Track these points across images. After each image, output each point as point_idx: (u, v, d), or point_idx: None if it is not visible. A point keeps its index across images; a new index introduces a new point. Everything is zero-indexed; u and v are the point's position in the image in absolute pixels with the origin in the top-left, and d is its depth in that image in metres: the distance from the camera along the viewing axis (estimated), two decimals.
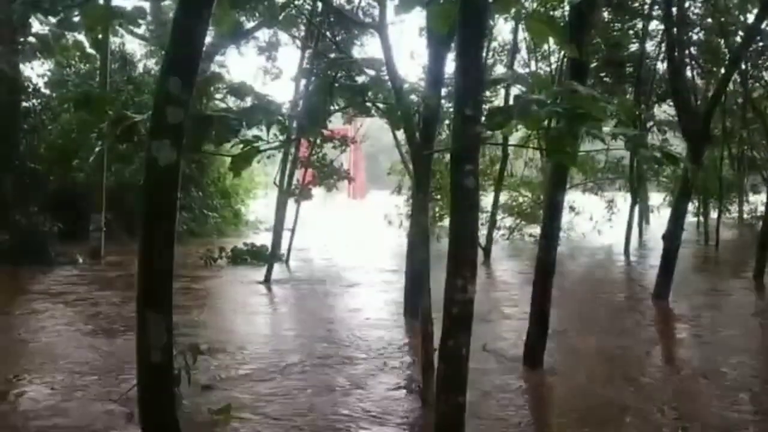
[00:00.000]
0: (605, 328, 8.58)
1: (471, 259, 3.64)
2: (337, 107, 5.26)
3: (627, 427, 5.01)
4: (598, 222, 21.59)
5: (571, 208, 20.35)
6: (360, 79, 9.49)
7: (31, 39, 13.68)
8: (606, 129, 4.67)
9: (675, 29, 11.34)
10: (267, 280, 11.51)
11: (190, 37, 2.81)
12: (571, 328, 8.11)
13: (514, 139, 15.95)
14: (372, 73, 5.29)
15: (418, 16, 16.34)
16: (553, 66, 19.27)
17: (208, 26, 2.81)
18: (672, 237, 10.23)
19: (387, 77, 5.05)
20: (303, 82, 12.64)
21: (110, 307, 9.08)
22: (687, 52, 15.19)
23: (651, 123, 18.77)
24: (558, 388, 6.06)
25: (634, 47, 18.76)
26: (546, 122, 5.14)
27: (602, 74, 18.25)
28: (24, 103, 15.17)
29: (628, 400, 5.58)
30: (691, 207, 19.20)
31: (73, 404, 5.15)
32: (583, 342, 7.72)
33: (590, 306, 10.14)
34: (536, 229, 19.97)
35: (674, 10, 11.68)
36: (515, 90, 14.43)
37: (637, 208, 19.95)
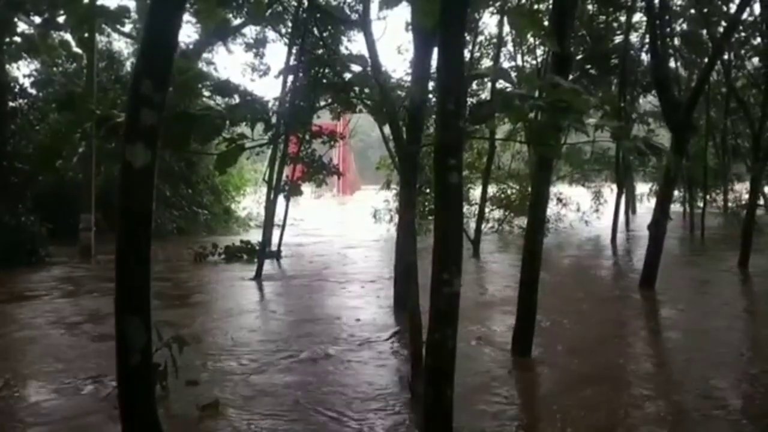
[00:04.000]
0: (592, 317, 8.69)
1: (456, 253, 3.69)
2: (322, 104, 5.30)
3: (611, 414, 5.10)
4: (586, 213, 21.77)
5: (559, 200, 20.54)
6: (346, 76, 9.56)
7: (17, 39, 13.70)
8: (590, 121, 4.74)
9: (658, 21, 11.43)
10: (258, 276, 11.55)
11: (162, 37, 2.81)
12: (559, 318, 8.21)
13: (501, 132, 16.08)
14: (357, 69, 5.34)
15: (404, 11, 16.35)
16: (539, 59, 19.37)
17: (180, 27, 2.81)
18: (658, 226, 10.35)
19: (371, 73, 5.10)
20: (290, 78, 12.64)
21: (101, 307, 9.08)
22: (670, 43, 15.31)
23: (635, 114, 18.92)
24: (546, 376, 6.15)
25: (618, 39, 18.89)
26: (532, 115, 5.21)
27: (587, 66, 18.37)
28: (10, 104, 15.09)
29: (613, 388, 5.68)
30: (677, 196, 19.39)
31: (61, 403, 5.17)
32: (571, 331, 7.82)
33: (577, 295, 10.25)
34: (525, 221, 20.12)
35: (657, 1, 11.78)
36: (502, 84, 14.57)
37: (623, 198, 20.11)
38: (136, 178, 2.76)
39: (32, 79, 18.49)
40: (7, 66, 14.59)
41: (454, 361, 3.69)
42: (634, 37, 19.32)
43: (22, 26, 13.48)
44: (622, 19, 18.52)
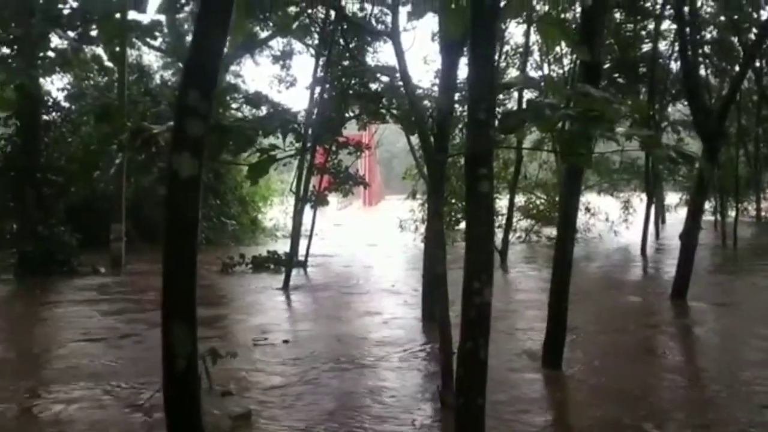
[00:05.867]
0: (623, 328, 8.57)
1: (487, 263, 3.67)
2: (351, 114, 5.33)
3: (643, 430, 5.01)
4: (614, 222, 21.54)
5: (587, 209, 20.34)
6: (373, 86, 9.60)
7: (51, 53, 13.99)
8: (620, 130, 4.71)
9: (687, 28, 11.32)
10: (286, 287, 11.60)
11: (208, 49, 2.86)
12: (590, 329, 8.11)
13: (528, 141, 16.00)
14: (385, 79, 5.36)
15: (431, 22, 16.43)
16: (566, 68, 19.29)
17: (226, 38, 2.86)
18: (689, 236, 10.20)
19: (400, 83, 5.12)
20: (317, 89, 12.74)
21: (133, 315, 9.22)
22: (700, 50, 15.14)
23: (665, 123, 18.71)
24: (577, 389, 6.08)
25: (646, 47, 18.72)
26: (560, 124, 5.18)
27: (615, 75, 18.22)
28: (44, 117, 15.41)
29: (646, 402, 5.58)
30: (708, 206, 19.11)
31: (98, 412, 5.22)
32: (602, 342, 7.73)
33: (608, 306, 10.13)
34: (552, 231, 19.98)
35: (686, 9, 11.66)
36: (529, 93, 14.52)
37: (653, 208, 19.87)
38: (182, 187, 2.80)
39: (66, 92, 18.86)
40: (41, 80, 14.89)
41: (486, 371, 3.66)
42: (662, 45, 19.15)
43: (55, 41, 13.78)
44: (651, 26, 18.36)
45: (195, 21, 2.87)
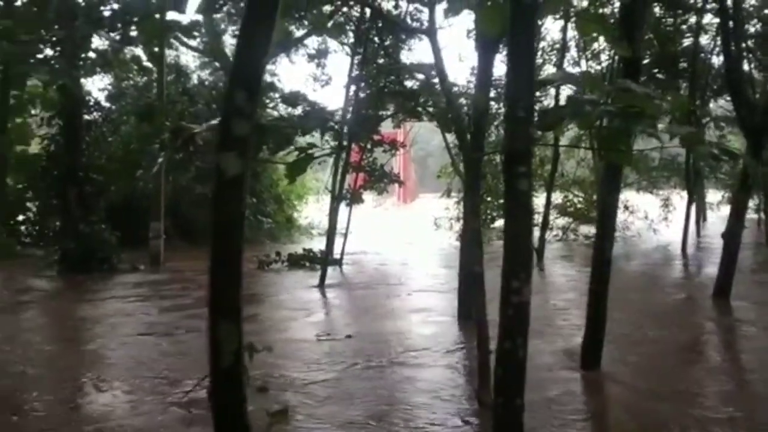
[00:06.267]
0: (665, 327, 8.41)
1: (526, 262, 3.64)
2: (388, 113, 5.32)
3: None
4: (654, 221, 21.17)
5: (626, 207, 20.03)
6: (409, 84, 9.57)
7: (92, 54, 14.30)
8: (661, 126, 4.61)
9: (730, 22, 11.04)
10: (321, 284, 11.66)
11: (254, 49, 2.89)
12: (630, 329, 7.98)
13: (564, 139, 15.80)
14: (421, 77, 5.34)
15: (466, 19, 16.32)
16: (604, 64, 18.99)
17: (271, 40, 2.89)
18: (732, 234, 9.97)
19: (437, 81, 5.09)
20: (353, 88, 12.76)
21: (173, 312, 9.37)
22: (743, 44, 14.76)
23: (707, 119, 18.30)
24: (617, 390, 5.98)
25: (687, 42, 18.33)
26: (599, 121, 5.10)
27: (655, 70, 17.88)
28: (86, 116, 15.74)
29: (686, 406, 5.46)
30: (751, 204, 18.65)
31: (137, 407, 5.31)
32: (643, 342, 7.59)
33: (648, 306, 9.95)
34: (590, 229, 19.73)
35: (729, 2, 11.37)
36: (565, 89, 14.32)
37: (694, 206, 19.46)
38: (228, 186, 2.84)
39: (106, 92, 19.26)
40: (82, 80, 15.21)
41: (525, 371, 3.63)
42: (704, 39, 18.70)
43: (95, 42, 14.07)
44: (692, 20, 17.96)
45: (241, 23, 2.90)
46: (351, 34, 15.50)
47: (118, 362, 6.64)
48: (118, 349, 7.21)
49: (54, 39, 13.73)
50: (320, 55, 19.86)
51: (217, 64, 20.98)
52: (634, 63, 6.46)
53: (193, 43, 18.09)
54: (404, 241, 20.13)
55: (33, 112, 18.63)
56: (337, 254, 14.06)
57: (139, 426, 4.88)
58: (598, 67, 19.38)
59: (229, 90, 2.89)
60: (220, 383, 3.09)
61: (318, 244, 14.82)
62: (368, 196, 16.27)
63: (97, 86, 19.32)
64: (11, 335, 8.02)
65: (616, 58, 16.22)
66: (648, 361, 6.85)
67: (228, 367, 3.02)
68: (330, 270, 12.50)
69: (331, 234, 13.23)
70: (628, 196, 20.62)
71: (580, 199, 20.27)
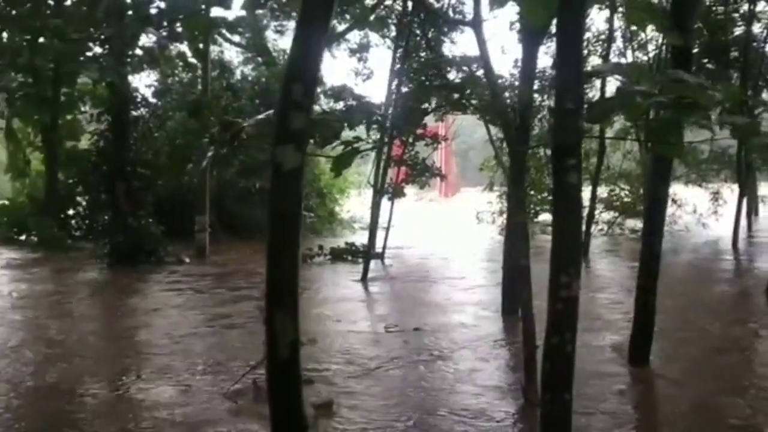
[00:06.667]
0: (715, 324, 8.21)
1: (575, 256, 3.59)
2: (432, 106, 5.29)
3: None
4: (703, 215, 20.66)
5: (673, 201, 19.57)
6: (451, 77, 9.51)
7: (139, 52, 14.58)
8: (713, 117, 4.49)
9: None
10: (364, 278, 11.70)
11: (310, 44, 2.92)
12: (679, 324, 7.81)
13: (610, 131, 15.53)
14: (466, 70, 5.30)
15: (509, 11, 16.13)
16: (651, 54, 18.58)
17: (327, 34, 2.91)
18: None
19: (482, 74, 5.04)
20: (395, 82, 12.74)
21: (219, 304, 9.52)
22: None
23: (760, 109, 17.73)
24: (665, 387, 5.86)
25: (739, 30, 17.79)
26: (649, 113, 4.99)
27: (704, 60, 17.40)
28: (133, 113, 16.05)
29: (734, 406, 5.31)
30: None
31: (185, 398, 5.40)
32: (692, 338, 7.42)
33: (698, 301, 9.72)
34: (636, 223, 19.36)
35: None
36: (611, 81, 14.06)
37: (745, 200, 18.91)
38: (285, 179, 2.87)
39: (152, 89, 19.62)
40: (130, 77, 15.51)
41: (573, 367, 3.58)
42: (756, 28, 18.13)
43: (141, 39, 14.34)
44: (744, 8, 17.43)
45: (298, 18, 2.93)
46: (393, 28, 15.49)
47: (166, 353, 6.76)
48: (165, 340, 7.34)
49: (102, 37, 14.04)
50: (362, 49, 19.90)
51: (260, 59, 21.21)
52: (685, 53, 6.29)
53: (236, 38, 18.32)
54: (446, 235, 20.05)
55: (83, 108, 19.16)
56: (379, 248, 14.07)
57: (187, 416, 4.96)
58: (645, 58, 18.98)
59: (286, 84, 2.93)
60: (277, 374, 3.14)
61: (360, 238, 14.86)
62: (410, 190, 16.23)
63: (143, 83, 19.73)
64: (64, 325, 8.25)
65: (664, 48, 15.87)
66: (699, 357, 6.69)
67: (285, 359, 3.07)
68: (372, 264, 12.53)
69: (373, 228, 13.25)
70: (675, 189, 20.16)
71: (627, 193, 19.90)
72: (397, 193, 14.28)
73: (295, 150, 2.80)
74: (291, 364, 3.11)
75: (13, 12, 14.38)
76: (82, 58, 15.36)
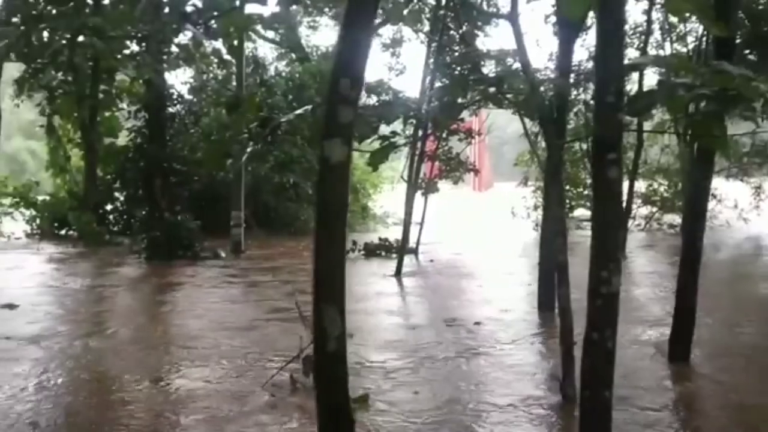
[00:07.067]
0: (758, 322, 8.03)
1: (615, 252, 3.54)
2: (469, 100, 5.26)
3: None
4: (744, 209, 20.21)
5: (713, 195, 19.18)
6: (485, 71, 9.43)
7: (174, 49, 14.78)
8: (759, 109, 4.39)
9: None
10: (398, 273, 11.70)
11: (357, 39, 2.94)
12: (720, 322, 7.65)
13: (648, 124, 15.28)
14: (503, 63, 5.26)
15: (544, 3, 15.94)
16: (690, 46, 18.19)
17: (373, 27, 2.94)
18: None
19: (520, 67, 4.99)
20: (428, 76, 12.71)
21: (256, 299, 9.63)
22: None
23: None
24: (707, 385, 5.76)
25: None
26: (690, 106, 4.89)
27: (746, 51, 16.97)
28: (169, 109, 16.28)
29: None
30: None
31: (221, 390, 5.45)
32: (734, 336, 7.28)
33: (739, 298, 9.53)
34: (674, 218, 19.03)
35: None
36: (648, 74, 13.80)
37: None
38: (332, 172, 2.90)
39: (188, 85, 19.88)
40: (166, 74, 15.76)
41: (614, 363, 3.54)
42: None
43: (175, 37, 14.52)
44: None
45: (345, 13, 2.95)
46: (426, 22, 15.44)
47: (206, 345, 6.85)
48: (202, 333, 7.45)
49: (140, 35, 14.26)
50: (395, 44, 19.90)
51: (293, 55, 21.34)
52: (728, 43, 6.15)
53: (270, 34, 18.48)
54: (480, 230, 19.96)
55: (121, 106, 19.51)
56: (412, 243, 14.06)
57: (223, 408, 5.02)
58: (684, 50, 18.60)
59: (334, 78, 2.94)
60: (325, 367, 3.17)
61: (393, 234, 14.86)
62: (444, 185, 16.18)
63: (179, 80, 20.04)
64: (104, 318, 8.43)
65: (704, 39, 15.52)
66: (741, 356, 6.54)
67: (332, 353, 3.09)
68: (406, 259, 12.53)
69: (406, 223, 13.24)
70: (716, 183, 19.76)
71: (665, 188, 19.56)
72: (430, 188, 14.26)
73: (342, 143, 2.82)
74: (338, 357, 3.13)
75: (53, 11, 14.67)
76: (119, 56, 15.63)
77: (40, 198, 19.83)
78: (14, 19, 14.27)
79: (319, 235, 3.02)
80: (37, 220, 19.12)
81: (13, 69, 18.03)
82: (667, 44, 19.08)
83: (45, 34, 15.54)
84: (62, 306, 9.21)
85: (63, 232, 18.30)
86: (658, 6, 14.21)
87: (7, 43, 13.14)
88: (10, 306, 8.69)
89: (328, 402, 3.20)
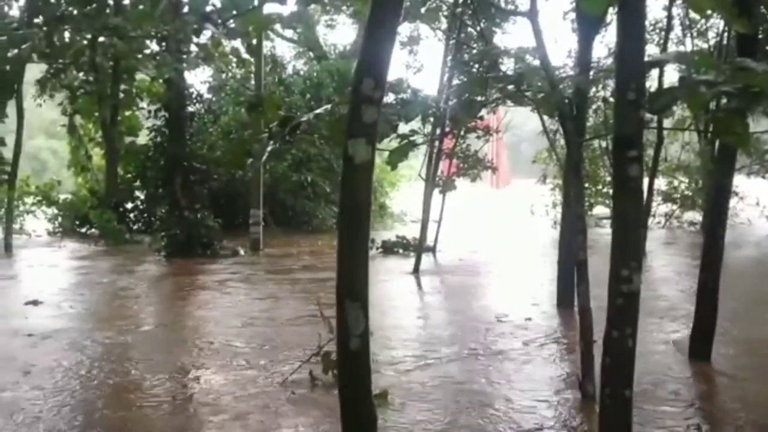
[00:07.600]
0: None
1: (636, 250, 3.53)
2: (488, 98, 5.25)
3: None
4: (766, 207, 19.99)
5: (735, 193, 18.98)
6: (504, 68, 9.40)
7: (194, 48, 14.89)
8: None
9: None
10: (416, 271, 11.71)
11: (381, 38, 2.95)
12: (742, 321, 7.57)
13: (668, 121, 15.15)
14: (522, 61, 5.25)
15: (561, 1, 15.87)
16: (711, 42, 18.01)
17: (398, 26, 2.94)
18: None
19: (539, 65, 4.98)
20: (446, 74, 12.69)
21: (275, 296, 9.69)
22: None
23: None
24: (729, 384, 5.70)
25: None
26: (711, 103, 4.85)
27: None
28: (189, 108, 16.41)
29: None
30: None
31: (242, 388, 5.48)
32: (756, 336, 7.20)
33: (762, 297, 9.41)
34: (695, 216, 18.86)
35: None
36: (667, 70, 13.69)
37: None
38: (356, 172, 2.92)
39: (208, 84, 20.03)
40: (185, 73, 15.87)
41: (634, 362, 3.53)
42: None
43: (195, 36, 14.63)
44: None
45: (369, 12, 2.97)
46: (444, 20, 15.43)
47: (227, 343, 6.90)
48: (226, 330, 7.51)
49: (160, 35, 14.39)
50: (412, 42, 19.90)
51: (311, 54, 21.41)
52: (751, 40, 6.09)
53: (288, 33, 18.56)
54: (498, 228, 19.91)
55: (141, 105, 19.70)
56: (430, 241, 14.06)
57: (245, 405, 5.06)
58: (705, 46, 18.42)
59: (357, 79, 2.96)
60: (348, 364, 3.19)
61: (411, 232, 14.87)
62: (461, 183, 16.16)
63: (199, 79, 20.20)
64: (126, 315, 8.51)
65: (726, 35, 15.36)
66: (762, 355, 6.48)
67: (356, 350, 3.11)
68: (423, 257, 12.53)
69: (424, 221, 13.25)
70: (737, 181, 19.56)
71: (686, 185, 19.39)
72: (448, 186, 14.24)
73: (366, 143, 2.84)
74: (361, 355, 3.15)
75: (75, 12, 14.85)
76: (140, 56, 15.80)
77: (62, 197, 20.08)
78: (36, 20, 14.48)
79: (343, 234, 3.05)
80: (59, 219, 19.38)
81: (36, 69, 18.28)
82: (688, 40, 18.92)
83: (66, 34, 15.77)
84: (85, 303, 9.33)
85: (84, 230, 18.52)
86: (679, 2, 14.06)
87: (30, 44, 13.31)
88: (35, 302, 8.84)
89: (350, 399, 3.23)
